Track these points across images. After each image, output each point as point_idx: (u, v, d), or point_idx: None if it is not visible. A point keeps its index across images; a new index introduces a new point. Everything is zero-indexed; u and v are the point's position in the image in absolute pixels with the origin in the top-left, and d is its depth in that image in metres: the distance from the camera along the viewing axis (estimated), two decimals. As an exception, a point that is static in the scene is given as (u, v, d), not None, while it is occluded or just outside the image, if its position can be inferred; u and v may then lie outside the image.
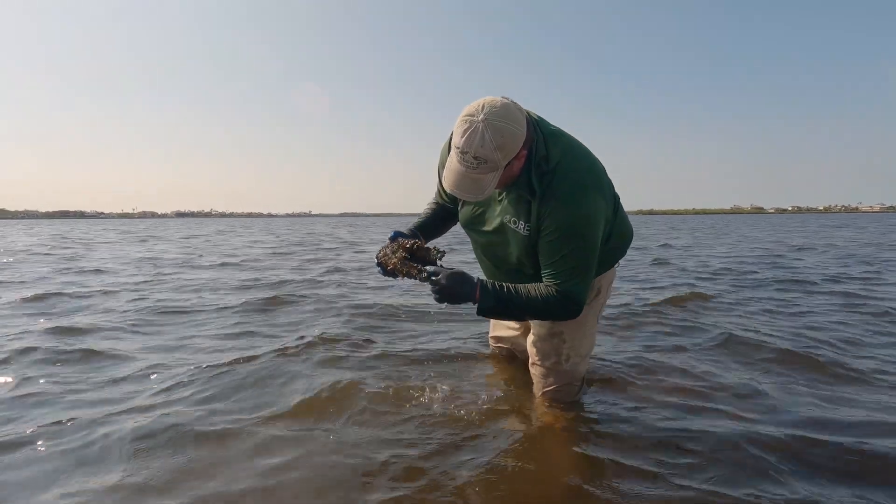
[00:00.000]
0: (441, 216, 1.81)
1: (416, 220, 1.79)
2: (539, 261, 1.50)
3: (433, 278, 1.44)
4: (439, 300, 1.44)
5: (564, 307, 1.47)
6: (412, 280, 1.49)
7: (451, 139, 1.41)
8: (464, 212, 1.70)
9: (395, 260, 1.50)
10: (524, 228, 1.48)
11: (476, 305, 1.47)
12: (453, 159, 1.36)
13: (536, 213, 1.44)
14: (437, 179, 1.76)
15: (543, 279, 1.49)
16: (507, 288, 1.47)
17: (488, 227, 1.62)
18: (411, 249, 1.53)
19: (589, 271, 1.48)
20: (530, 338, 1.84)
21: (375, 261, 1.56)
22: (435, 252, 1.54)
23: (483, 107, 1.29)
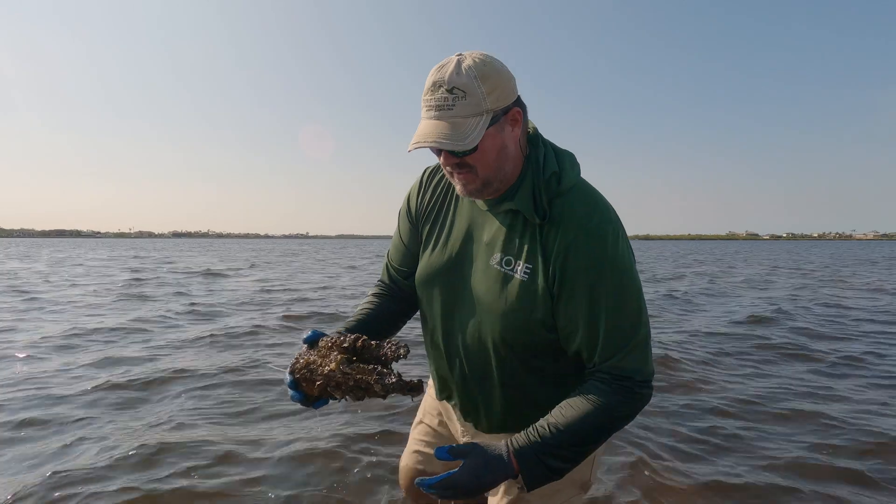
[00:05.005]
0: (391, 307, 1.23)
1: (351, 317, 1.22)
2: (557, 332, 1.01)
3: (410, 390, 0.95)
4: (444, 496, 0.92)
5: (632, 399, 0.95)
6: (359, 396, 0.96)
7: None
8: (433, 259, 1.14)
9: (333, 365, 0.98)
10: (522, 271, 1.01)
11: (520, 479, 0.93)
12: (422, 116, 0.99)
13: (551, 244, 0.98)
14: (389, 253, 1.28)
15: (585, 364, 1.00)
16: (549, 428, 0.94)
17: (466, 273, 1.09)
18: (353, 348, 1.00)
19: (645, 329, 0.99)
20: None
21: (288, 379, 1.00)
22: (393, 349, 0.98)
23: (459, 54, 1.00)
